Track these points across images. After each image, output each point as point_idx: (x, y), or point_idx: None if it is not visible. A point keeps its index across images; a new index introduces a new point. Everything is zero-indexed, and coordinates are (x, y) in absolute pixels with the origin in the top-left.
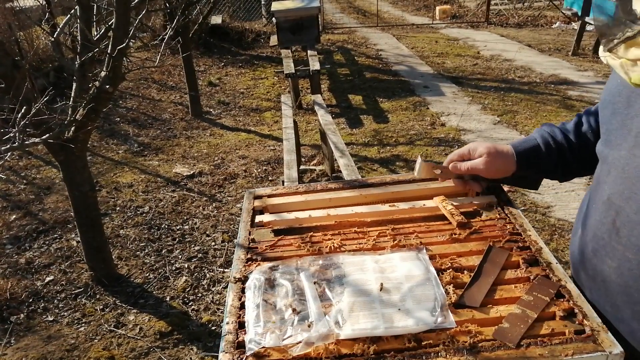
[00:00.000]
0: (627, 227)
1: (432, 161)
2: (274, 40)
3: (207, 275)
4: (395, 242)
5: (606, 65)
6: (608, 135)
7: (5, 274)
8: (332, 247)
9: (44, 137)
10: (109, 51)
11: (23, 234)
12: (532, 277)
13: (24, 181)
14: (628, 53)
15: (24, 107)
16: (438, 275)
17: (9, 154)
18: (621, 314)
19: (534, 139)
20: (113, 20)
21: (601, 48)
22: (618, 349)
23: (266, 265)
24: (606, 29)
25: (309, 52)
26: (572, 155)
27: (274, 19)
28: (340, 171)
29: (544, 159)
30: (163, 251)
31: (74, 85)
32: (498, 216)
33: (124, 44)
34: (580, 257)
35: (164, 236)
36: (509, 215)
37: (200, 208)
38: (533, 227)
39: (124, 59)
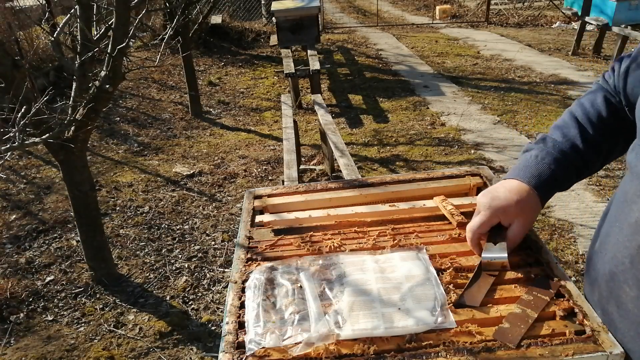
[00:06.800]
0: None
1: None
2: (274, 40)
3: (207, 275)
4: (395, 241)
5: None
6: None
7: (5, 273)
8: (332, 247)
9: (44, 136)
10: (108, 51)
11: (23, 233)
12: (532, 277)
13: (24, 181)
14: None
15: (24, 107)
16: (438, 275)
17: (9, 153)
18: (634, 345)
19: (546, 168)
20: (113, 19)
21: None
22: (618, 349)
23: (266, 265)
24: None
25: (309, 51)
26: (588, 164)
27: (274, 18)
28: (340, 171)
29: (565, 181)
30: (163, 251)
31: (74, 84)
32: None
33: (124, 44)
34: (595, 275)
35: (163, 236)
36: None
37: (200, 208)
38: (533, 226)
39: (124, 58)
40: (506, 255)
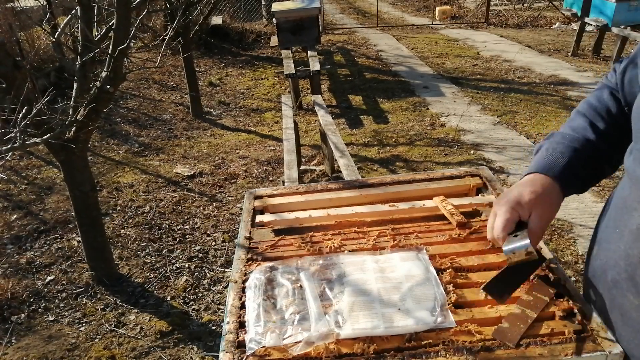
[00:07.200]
0: None
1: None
2: (274, 40)
3: (208, 275)
4: (395, 242)
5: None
6: None
7: (6, 273)
8: (332, 247)
9: (45, 137)
10: (109, 51)
11: (24, 233)
12: (532, 277)
13: (25, 181)
14: None
15: (25, 107)
16: (438, 275)
17: (10, 154)
18: (638, 352)
19: (558, 155)
20: (114, 20)
21: None
22: (617, 348)
23: (266, 265)
24: None
25: (309, 52)
26: (602, 155)
27: (274, 19)
28: (341, 171)
29: (581, 169)
30: (164, 251)
31: (75, 85)
32: None
33: (124, 45)
34: (596, 282)
35: (164, 236)
36: None
37: (201, 208)
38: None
39: (125, 59)
40: (528, 242)
